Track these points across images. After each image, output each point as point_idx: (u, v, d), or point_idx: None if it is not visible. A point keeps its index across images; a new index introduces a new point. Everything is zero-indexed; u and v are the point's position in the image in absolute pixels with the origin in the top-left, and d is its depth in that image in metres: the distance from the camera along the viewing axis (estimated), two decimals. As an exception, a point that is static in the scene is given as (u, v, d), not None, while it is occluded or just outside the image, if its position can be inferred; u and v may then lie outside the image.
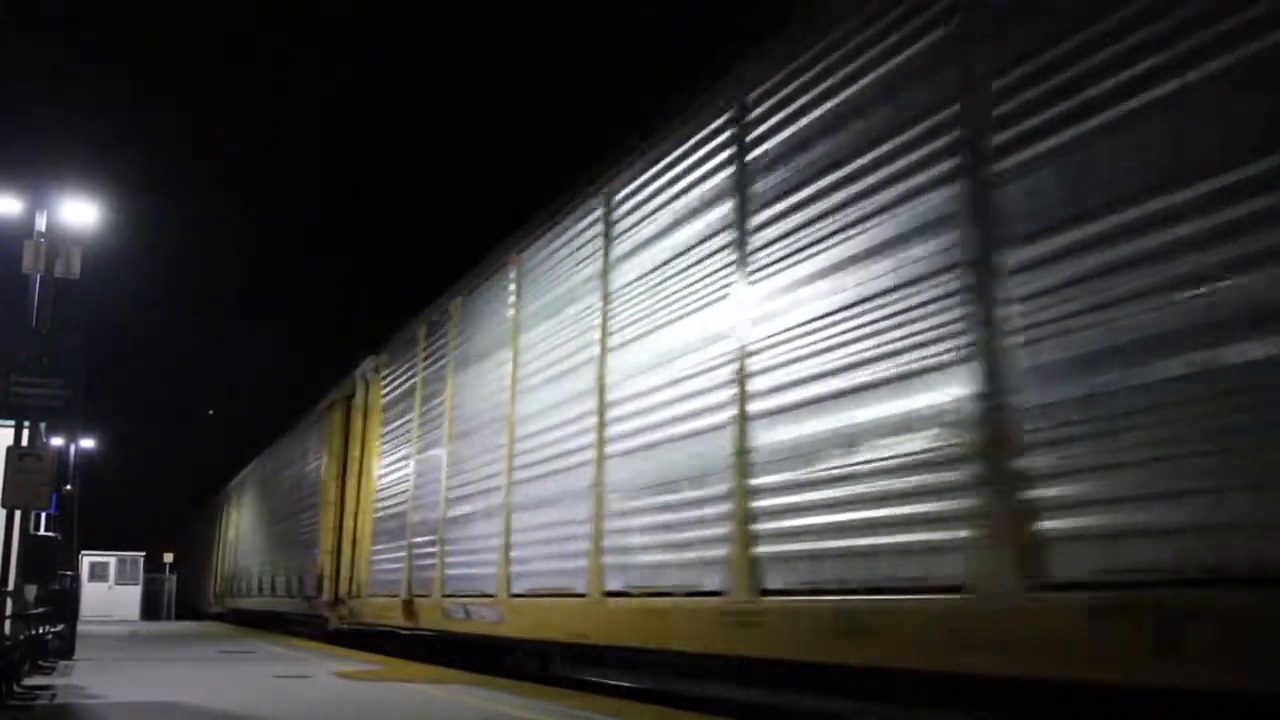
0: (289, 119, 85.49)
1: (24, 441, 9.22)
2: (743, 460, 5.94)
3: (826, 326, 5.40)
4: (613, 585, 7.20)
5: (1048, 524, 4.00)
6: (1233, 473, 3.35)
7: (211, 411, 62.89)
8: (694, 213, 6.88)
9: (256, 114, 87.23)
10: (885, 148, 5.13)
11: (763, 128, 6.20)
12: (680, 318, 6.91)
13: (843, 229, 5.37)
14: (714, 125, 6.76)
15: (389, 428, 13.77)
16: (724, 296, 6.41)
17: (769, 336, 5.88)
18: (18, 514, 9.17)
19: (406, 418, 12.81)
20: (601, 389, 7.81)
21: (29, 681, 8.74)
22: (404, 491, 12.44)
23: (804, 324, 5.59)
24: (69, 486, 27.10)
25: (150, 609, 37.88)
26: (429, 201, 79.96)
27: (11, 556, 8.95)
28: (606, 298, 7.98)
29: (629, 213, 7.82)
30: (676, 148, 7.22)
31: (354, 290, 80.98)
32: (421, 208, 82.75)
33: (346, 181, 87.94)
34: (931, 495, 4.55)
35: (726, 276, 6.42)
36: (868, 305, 5.11)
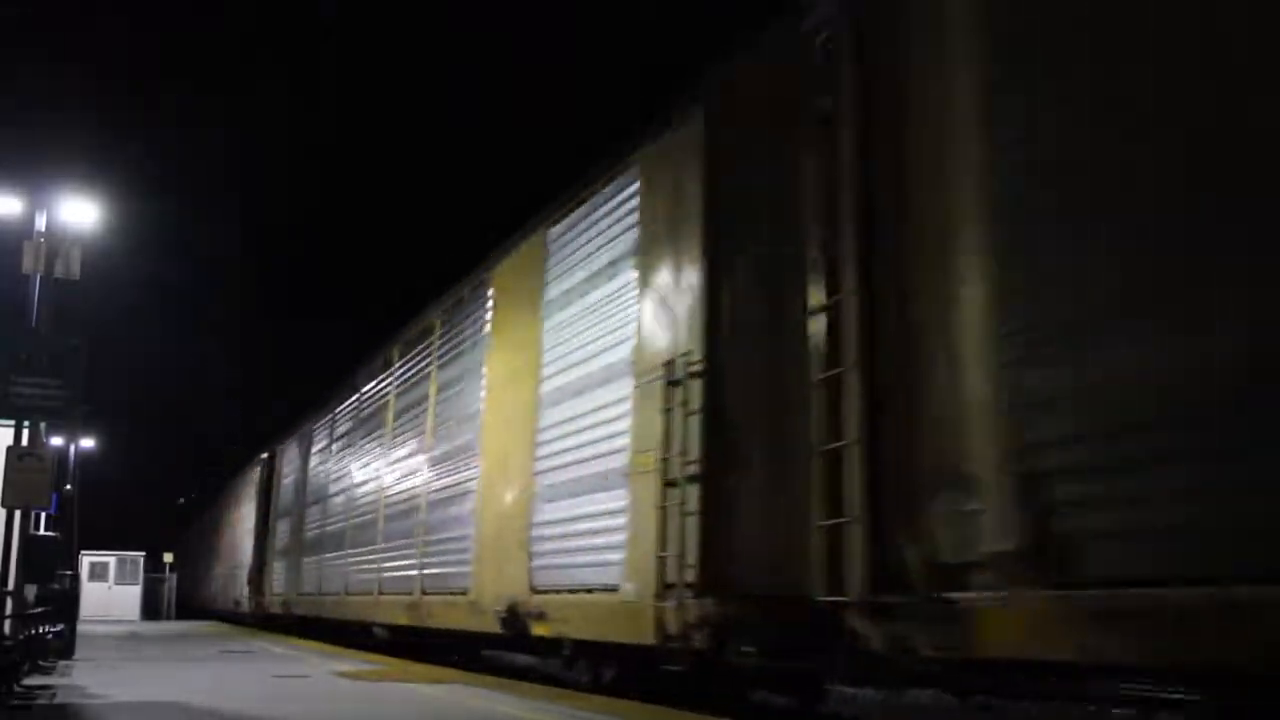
0: (289, 117, 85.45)
1: (24, 441, 9.22)
2: None
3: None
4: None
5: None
6: None
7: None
8: None
9: (258, 113, 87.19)
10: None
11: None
12: None
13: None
14: None
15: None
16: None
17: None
18: (18, 514, 9.17)
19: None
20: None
21: (29, 681, 8.74)
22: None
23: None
24: (69, 486, 27.10)
25: (150, 609, 37.89)
26: (433, 199, 79.95)
27: (11, 556, 8.95)
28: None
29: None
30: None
31: (356, 288, 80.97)
32: (425, 206, 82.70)
33: (349, 179, 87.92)
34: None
35: None
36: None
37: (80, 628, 14.34)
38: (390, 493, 13.37)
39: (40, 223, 12.70)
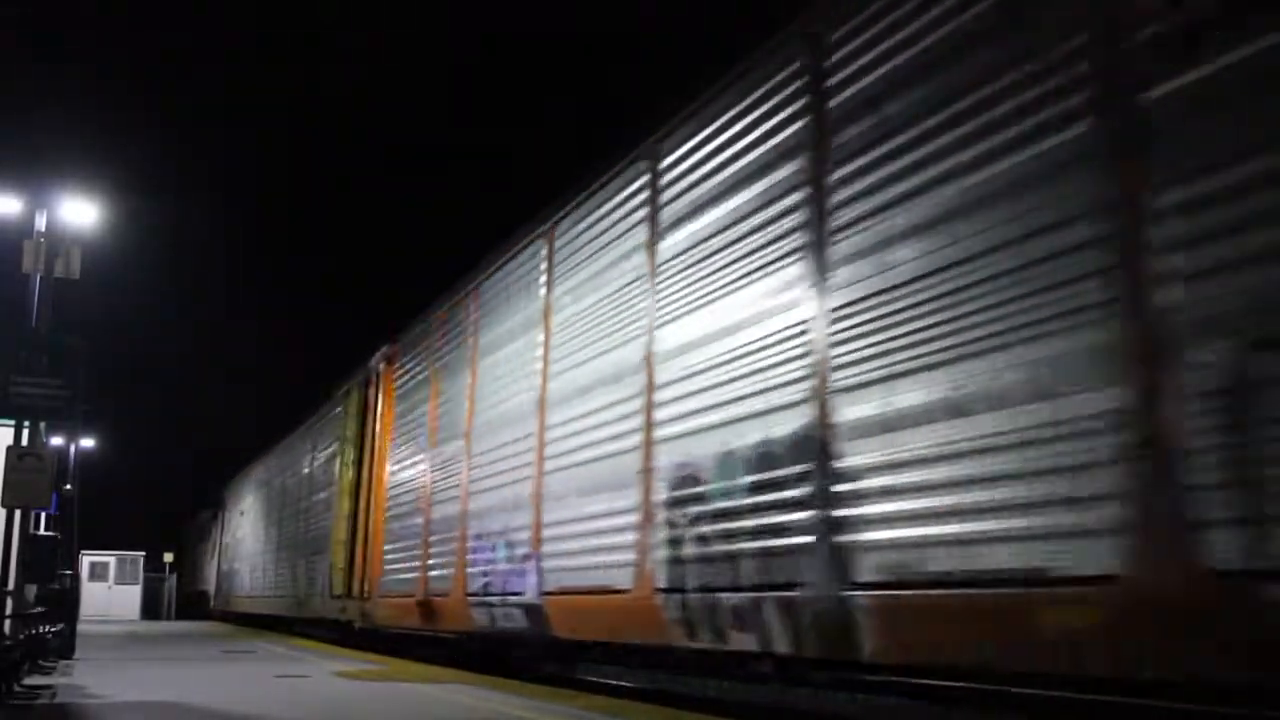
0: (289, 117, 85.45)
1: (24, 441, 9.22)
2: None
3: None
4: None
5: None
6: None
7: None
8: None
9: (258, 112, 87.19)
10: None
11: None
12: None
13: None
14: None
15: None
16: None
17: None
18: (18, 514, 9.18)
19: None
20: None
21: (29, 681, 8.74)
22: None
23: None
24: (69, 486, 27.09)
25: (150, 609, 37.91)
26: (433, 199, 79.93)
27: (11, 556, 8.96)
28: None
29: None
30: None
31: (355, 288, 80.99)
32: (425, 205, 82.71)
33: (348, 179, 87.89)
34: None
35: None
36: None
37: (80, 628, 14.34)
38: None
39: (40, 223, 12.72)
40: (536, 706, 7.22)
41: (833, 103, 5.74)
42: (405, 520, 12.53)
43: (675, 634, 6.52)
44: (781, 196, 6.08)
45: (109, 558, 36.54)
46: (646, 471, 7.06)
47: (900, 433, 4.89)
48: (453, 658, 11.52)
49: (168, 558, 42.30)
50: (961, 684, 5.13)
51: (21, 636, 9.33)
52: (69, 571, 17.58)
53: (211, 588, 34.58)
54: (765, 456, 5.87)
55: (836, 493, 5.25)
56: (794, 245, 5.90)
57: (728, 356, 6.36)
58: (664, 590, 6.62)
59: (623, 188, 8.09)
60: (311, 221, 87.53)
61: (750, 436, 6.03)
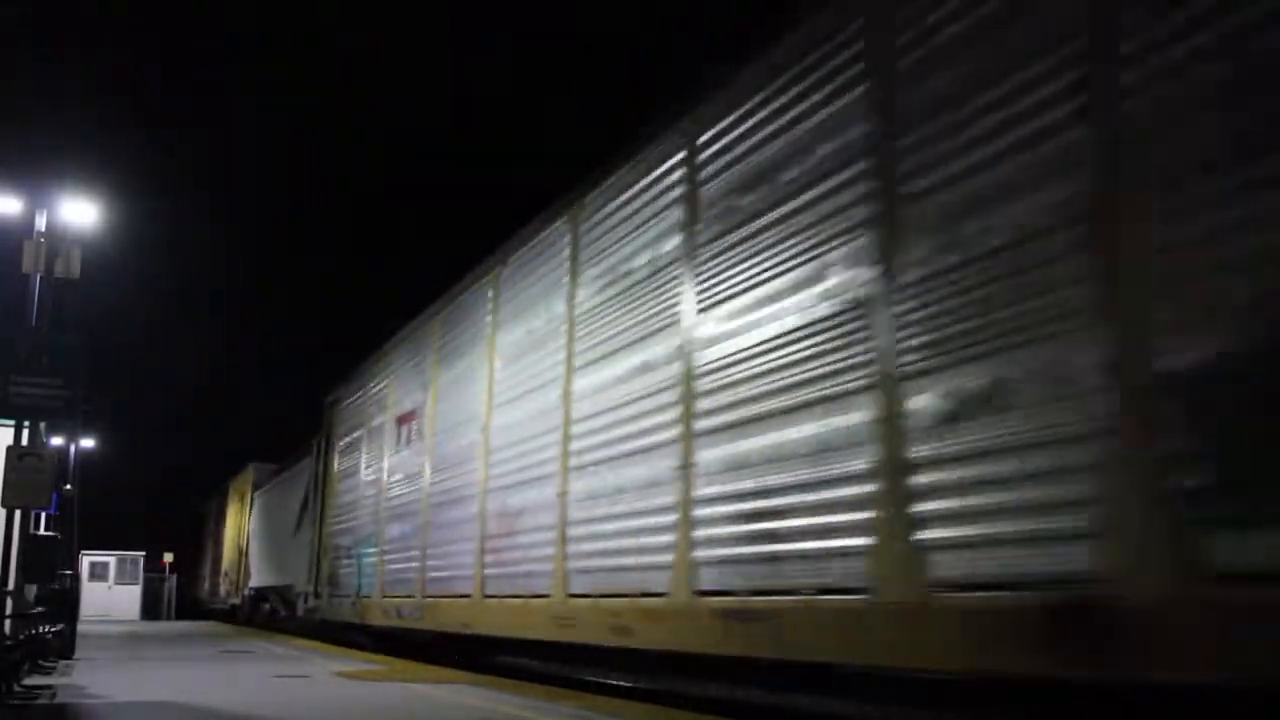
0: (289, 117, 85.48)
1: (24, 441, 9.22)
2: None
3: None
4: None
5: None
6: None
7: None
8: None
9: (258, 112, 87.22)
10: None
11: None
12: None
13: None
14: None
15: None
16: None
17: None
18: (18, 514, 9.17)
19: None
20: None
21: (29, 681, 8.73)
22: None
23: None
24: (69, 486, 27.08)
25: (150, 609, 37.90)
26: (432, 199, 79.97)
27: (11, 556, 8.95)
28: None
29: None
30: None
31: (355, 289, 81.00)
32: (424, 205, 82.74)
33: (347, 180, 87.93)
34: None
35: None
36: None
37: (80, 627, 14.33)
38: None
39: (40, 223, 12.72)
40: (536, 706, 7.22)
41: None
42: None
43: None
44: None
45: (109, 558, 36.51)
46: None
47: None
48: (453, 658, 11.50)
49: (168, 558, 42.26)
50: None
51: (21, 636, 9.32)
52: (69, 571, 17.58)
53: (297, 584, 19.00)
54: None
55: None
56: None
57: None
58: None
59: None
60: (311, 221, 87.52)
61: None
